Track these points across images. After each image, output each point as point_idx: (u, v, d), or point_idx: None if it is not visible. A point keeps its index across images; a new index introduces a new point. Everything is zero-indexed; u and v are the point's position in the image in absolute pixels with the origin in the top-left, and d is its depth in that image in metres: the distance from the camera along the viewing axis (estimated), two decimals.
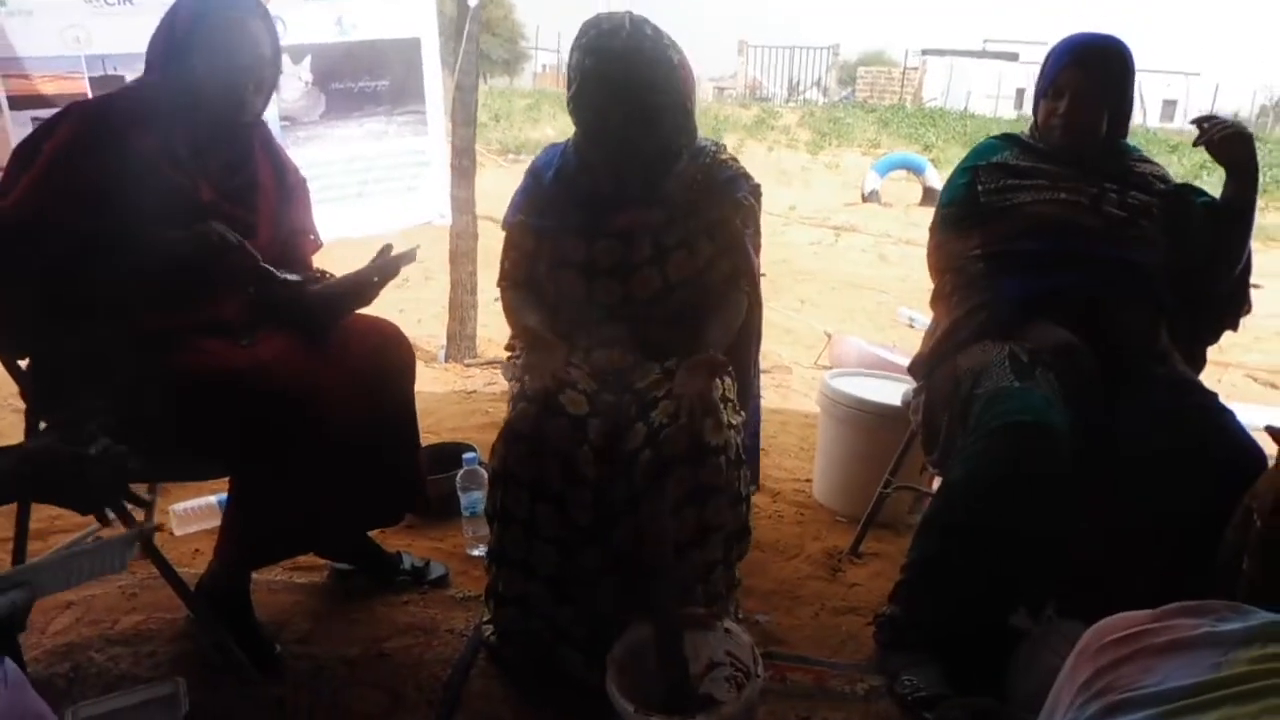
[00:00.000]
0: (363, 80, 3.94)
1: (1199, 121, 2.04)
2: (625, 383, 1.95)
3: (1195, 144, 2.05)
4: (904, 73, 26.02)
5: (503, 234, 2.18)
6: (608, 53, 1.88)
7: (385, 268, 1.99)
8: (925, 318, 2.45)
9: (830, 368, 4.29)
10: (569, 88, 1.98)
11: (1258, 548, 1.89)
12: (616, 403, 1.91)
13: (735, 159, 2.11)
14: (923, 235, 2.39)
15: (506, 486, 1.84)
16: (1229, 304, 2.16)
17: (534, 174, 2.12)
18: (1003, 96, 24.42)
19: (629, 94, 1.89)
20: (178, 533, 2.53)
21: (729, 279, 2.06)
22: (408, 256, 2.00)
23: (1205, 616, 0.97)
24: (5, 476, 1.31)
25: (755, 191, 2.09)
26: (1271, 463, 1.78)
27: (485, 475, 2.46)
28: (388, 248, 2.01)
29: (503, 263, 2.17)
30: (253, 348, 1.88)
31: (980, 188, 2.12)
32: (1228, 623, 0.95)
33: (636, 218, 2.00)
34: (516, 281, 2.14)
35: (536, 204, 2.09)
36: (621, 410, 1.89)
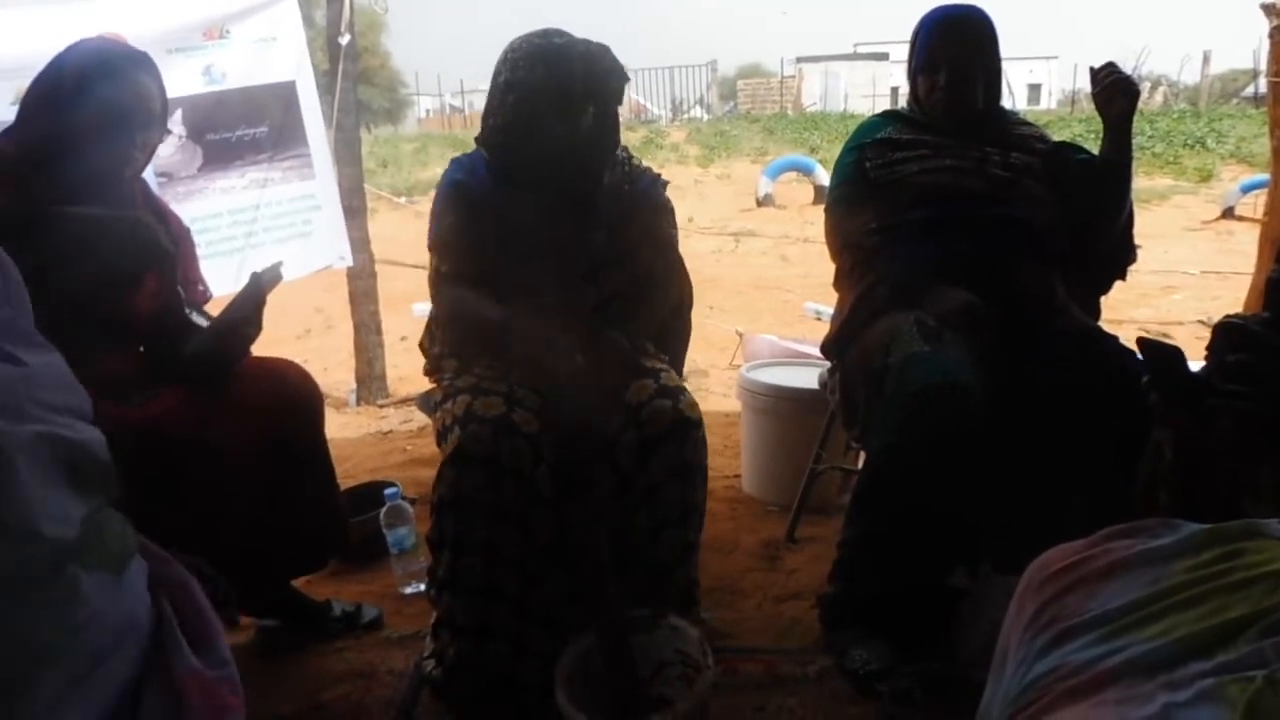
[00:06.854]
0: (240, 129, 3.82)
1: (1096, 70, 2.07)
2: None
3: (1094, 80, 2.06)
4: (781, 82, 26.65)
5: (428, 253, 2.01)
6: (564, 62, 1.81)
7: (254, 292, 1.88)
8: (830, 310, 2.49)
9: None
10: (497, 105, 1.87)
11: (1170, 479, 1.96)
12: (569, 415, 1.80)
13: (640, 159, 2.12)
14: (819, 233, 2.41)
15: (458, 513, 1.76)
16: (1116, 255, 2.23)
17: (454, 184, 1.94)
18: (878, 95, 25.14)
19: (587, 104, 1.85)
20: None
21: (660, 280, 2.05)
22: (271, 275, 1.90)
23: (1139, 536, 0.99)
24: None
25: (666, 187, 2.10)
26: None
27: (410, 510, 2.40)
28: (255, 275, 1.91)
29: (438, 268, 1.97)
30: (143, 405, 1.79)
31: (868, 164, 2.15)
32: (1160, 538, 0.97)
33: (572, 240, 1.93)
34: (460, 278, 1.93)
35: (468, 206, 1.92)
36: (574, 422, 1.80)
